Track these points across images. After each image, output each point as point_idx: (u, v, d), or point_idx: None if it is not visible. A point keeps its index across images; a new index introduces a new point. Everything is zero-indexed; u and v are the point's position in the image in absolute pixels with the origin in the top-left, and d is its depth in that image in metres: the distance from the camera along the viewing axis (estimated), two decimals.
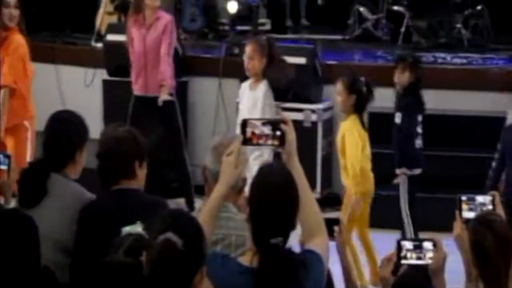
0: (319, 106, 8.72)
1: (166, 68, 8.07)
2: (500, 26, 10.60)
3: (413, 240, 3.60)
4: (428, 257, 3.55)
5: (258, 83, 7.11)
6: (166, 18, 8.22)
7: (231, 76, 8.81)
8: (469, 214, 3.83)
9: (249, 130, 3.46)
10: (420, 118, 7.06)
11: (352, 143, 6.66)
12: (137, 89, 8.24)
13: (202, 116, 9.18)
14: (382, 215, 7.02)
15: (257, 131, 3.46)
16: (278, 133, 3.44)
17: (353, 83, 6.73)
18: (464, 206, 3.84)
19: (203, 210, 3.57)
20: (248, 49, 7.17)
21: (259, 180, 3.41)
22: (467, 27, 10.51)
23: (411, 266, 3.55)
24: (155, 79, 8.10)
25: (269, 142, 3.46)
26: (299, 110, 8.60)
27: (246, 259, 3.36)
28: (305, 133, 8.33)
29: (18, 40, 7.25)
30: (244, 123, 3.49)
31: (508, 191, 6.16)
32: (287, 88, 8.43)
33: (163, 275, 2.93)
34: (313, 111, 8.65)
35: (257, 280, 3.27)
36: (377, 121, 7.84)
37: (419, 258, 3.55)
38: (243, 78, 7.59)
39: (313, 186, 8.32)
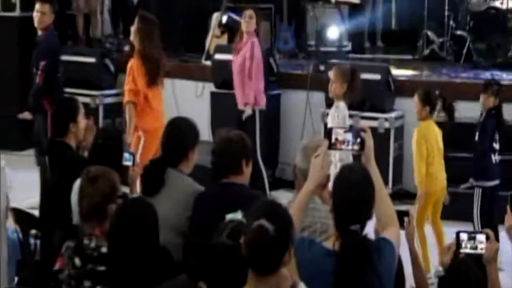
0: (392, 115, 8.65)
1: (249, 92, 8.00)
2: None
3: (469, 233, 3.54)
4: (481, 248, 3.48)
5: (338, 102, 7.02)
6: (248, 43, 7.99)
7: (317, 89, 8.79)
8: None
9: (333, 137, 3.48)
10: (497, 136, 6.87)
11: (416, 150, 6.58)
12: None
13: (293, 123, 9.16)
14: (457, 209, 6.88)
15: (340, 138, 3.47)
16: (358, 139, 3.44)
17: (426, 96, 6.63)
18: None
19: (294, 202, 3.57)
20: (332, 74, 7.09)
21: (341, 177, 3.40)
22: None
23: (467, 254, 3.49)
24: (241, 99, 8.08)
25: (350, 147, 3.47)
26: (375, 119, 8.54)
27: (329, 243, 3.35)
28: (380, 138, 8.26)
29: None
30: (330, 131, 3.51)
31: None
32: (364, 99, 8.41)
33: (257, 255, 2.93)
34: (386, 119, 8.59)
35: (339, 261, 3.25)
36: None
37: (474, 248, 3.49)
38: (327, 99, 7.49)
39: (386, 183, 8.20)
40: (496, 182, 6.81)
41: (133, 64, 6.88)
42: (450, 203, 6.79)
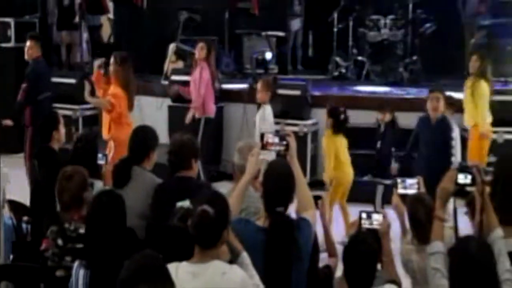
0: (308, 122, 8.66)
1: (197, 101, 7.99)
2: (428, 69, 10.53)
3: (368, 212, 3.57)
4: (377, 224, 3.52)
5: (265, 106, 7.08)
6: (199, 68, 7.97)
7: (251, 102, 8.74)
8: (402, 191, 3.78)
9: (265, 140, 3.48)
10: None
11: (326, 151, 6.60)
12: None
13: (233, 128, 9.12)
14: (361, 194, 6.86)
15: (270, 141, 3.48)
16: (284, 142, 3.45)
17: (332, 111, 6.62)
18: (399, 186, 3.79)
19: (235, 190, 3.55)
20: (259, 85, 7.17)
21: (269, 170, 3.40)
22: (407, 70, 10.45)
23: (367, 229, 3.52)
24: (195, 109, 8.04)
25: (278, 148, 3.48)
26: (296, 125, 8.56)
27: (260, 222, 3.36)
28: (300, 140, 8.30)
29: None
30: (262, 135, 3.51)
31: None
32: (288, 110, 8.44)
33: (201, 233, 2.93)
34: (304, 125, 8.60)
35: (268, 235, 3.25)
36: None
37: (371, 224, 3.52)
38: (258, 105, 7.56)
39: (305, 174, 8.25)
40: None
41: (115, 91, 6.62)
42: (356, 189, 6.82)
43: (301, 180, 3.45)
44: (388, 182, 6.70)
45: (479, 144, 7.05)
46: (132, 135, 4.63)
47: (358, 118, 8.00)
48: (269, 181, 3.35)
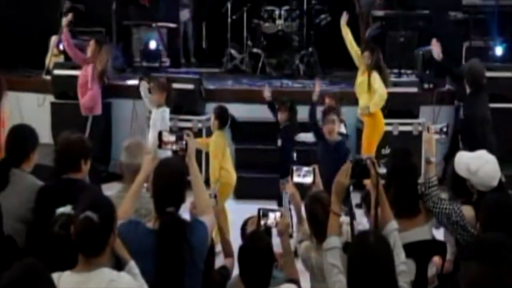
0: (203, 117, 8.65)
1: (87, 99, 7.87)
2: (325, 61, 10.80)
3: (265, 210, 3.61)
4: (273, 222, 3.57)
5: (160, 107, 7.00)
6: (90, 67, 7.86)
7: (141, 98, 8.63)
8: (297, 179, 3.85)
9: (162, 138, 3.45)
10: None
11: (212, 153, 6.54)
12: None
13: (122, 126, 8.98)
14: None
15: (166, 139, 3.45)
16: (183, 142, 3.44)
17: (218, 111, 6.57)
18: (295, 174, 3.86)
19: (130, 190, 3.49)
20: (152, 86, 7.09)
21: (159, 168, 3.37)
22: (303, 62, 10.67)
23: (266, 226, 3.57)
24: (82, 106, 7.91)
25: (174, 147, 3.46)
26: (190, 120, 8.55)
27: (151, 224, 3.31)
28: (195, 135, 8.29)
29: None
30: (160, 134, 3.48)
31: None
32: (181, 105, 8.40)
33: (85, 241, 2.88)
34: (199, 121, 8.60)
35: (158, 237, 3.21)
36: None
37: (268, 222, 3.57)
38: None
39: (200, 172, 8.25)
40: None
41: None
42: (258, 186, 6.86)
43: (199, 183, 3.41)
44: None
45: (372, 134, 7.31)
46: (9, 136, 4.46)
47: (257, 112, 8.08)
48: (159, 179, 3.31)
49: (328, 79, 10.08)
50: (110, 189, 6.57)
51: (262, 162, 8.02)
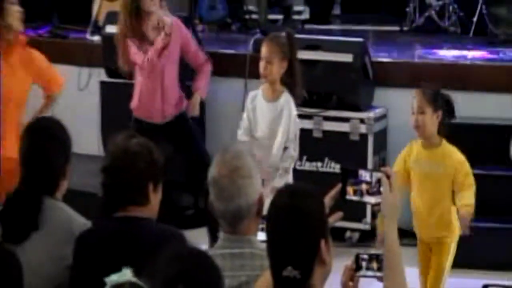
0: (370, 114, 8.65)
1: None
2: None
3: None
4: None
5: (277, 93, 7.02)
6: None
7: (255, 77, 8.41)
8: None
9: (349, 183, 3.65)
10: None
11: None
12: None
13: (222, 123, 9.17)
14: None
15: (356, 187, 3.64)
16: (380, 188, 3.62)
17: (435, 97, 6.33)
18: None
19: None
20: (265, 50, 7.02)
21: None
22: None
23: None
24: None
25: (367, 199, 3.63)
26: (345, 120, 8.59)
27: None
28: (352, 148, 8.41)
29: None
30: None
31: None
32: (330, 92, 8.43)
33: None
34: (362, 120, 8.60)
35: None
36: None
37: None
38: None
39: (363, 215, 8.32)
40: None
41: None
42: None
43: (397, 263, 3.57)
44: None
45: None
46: (26, 142, 4.63)
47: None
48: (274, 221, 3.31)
49: None
50: (200, 237, 6.78)
51: None
